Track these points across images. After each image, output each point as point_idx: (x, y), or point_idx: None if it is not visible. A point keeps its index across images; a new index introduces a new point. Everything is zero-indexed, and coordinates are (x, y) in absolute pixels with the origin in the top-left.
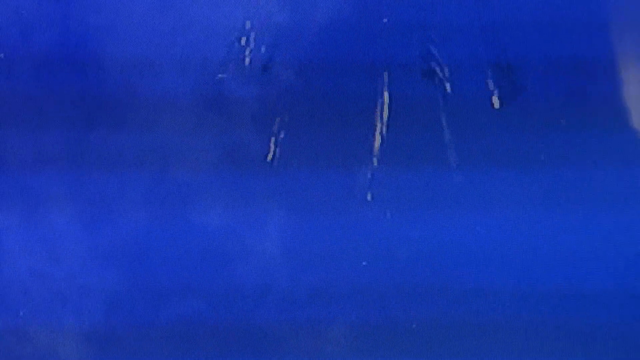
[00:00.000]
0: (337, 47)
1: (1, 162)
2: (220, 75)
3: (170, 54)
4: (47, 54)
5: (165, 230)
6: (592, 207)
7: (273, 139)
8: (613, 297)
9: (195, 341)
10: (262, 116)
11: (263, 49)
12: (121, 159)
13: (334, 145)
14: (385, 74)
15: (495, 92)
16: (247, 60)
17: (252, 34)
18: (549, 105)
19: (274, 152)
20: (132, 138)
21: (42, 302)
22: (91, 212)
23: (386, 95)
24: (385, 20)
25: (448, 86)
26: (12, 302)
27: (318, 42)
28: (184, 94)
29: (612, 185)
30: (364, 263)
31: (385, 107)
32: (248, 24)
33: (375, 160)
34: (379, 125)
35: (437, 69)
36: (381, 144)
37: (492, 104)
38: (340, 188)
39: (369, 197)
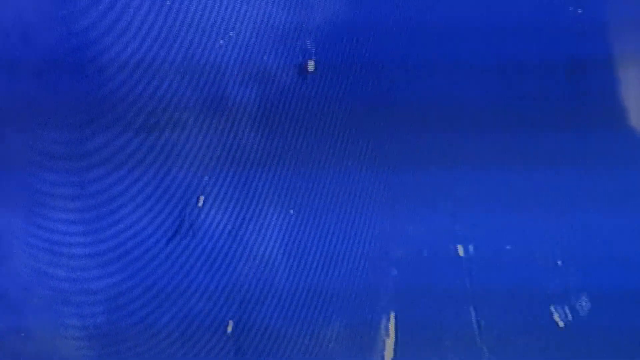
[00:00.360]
0: (337, 48)
1: (4, 163)
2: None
3: (170, 56)
4: (48, 56)
5: (166, 230)
6: (591, 207)
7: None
8: (613, 298)
9: (196, 340)
10: (261, 117)
11: (262, 51)
12: (122, 160)
13: (333, 146)
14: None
15: None
16: (247, 62)
17: (252, 37)
18: (548, 106)
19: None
20: (133, 139)
21: (44, 301)
22: (93, 213)
23: None
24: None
25: None
26: (14, 301)
27: (319, 44)
28: (184, 95)
29: (611, 185)
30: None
31: None
32: (248, 27)
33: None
34: None
35: None
36: None
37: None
38: (341, 189)
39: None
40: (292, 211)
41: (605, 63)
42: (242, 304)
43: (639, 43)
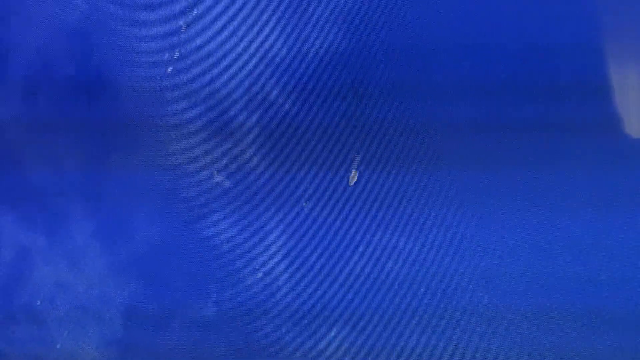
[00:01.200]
0: (331, 77)
1: (26, 184)
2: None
3: (179, 84)
4: (67, 83)
5: (177, 243)
6: (590, 210)
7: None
8: (612, 301)
9: (205, 348)
10: (264, 140)
11: (263, 80)
12: (136, 180)
13: (332, 163)
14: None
15: None
16: (248, 90)
17: (255, 66)
18: (546, 108)
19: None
20: (146, 160)
21: (65, 311)
22: (109, 229)
23: None
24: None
25: None
26: (37, 311)
27: (313, 74)
28: (192, 120)
29: (610, 188)
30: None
31: None
32: (252, 57)
33: None
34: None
35: None
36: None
37: None
38: (339, 203)
39: None
40: (293, 226)
41: (601, 70)
42: (248, 312)
43: (634, 51)
